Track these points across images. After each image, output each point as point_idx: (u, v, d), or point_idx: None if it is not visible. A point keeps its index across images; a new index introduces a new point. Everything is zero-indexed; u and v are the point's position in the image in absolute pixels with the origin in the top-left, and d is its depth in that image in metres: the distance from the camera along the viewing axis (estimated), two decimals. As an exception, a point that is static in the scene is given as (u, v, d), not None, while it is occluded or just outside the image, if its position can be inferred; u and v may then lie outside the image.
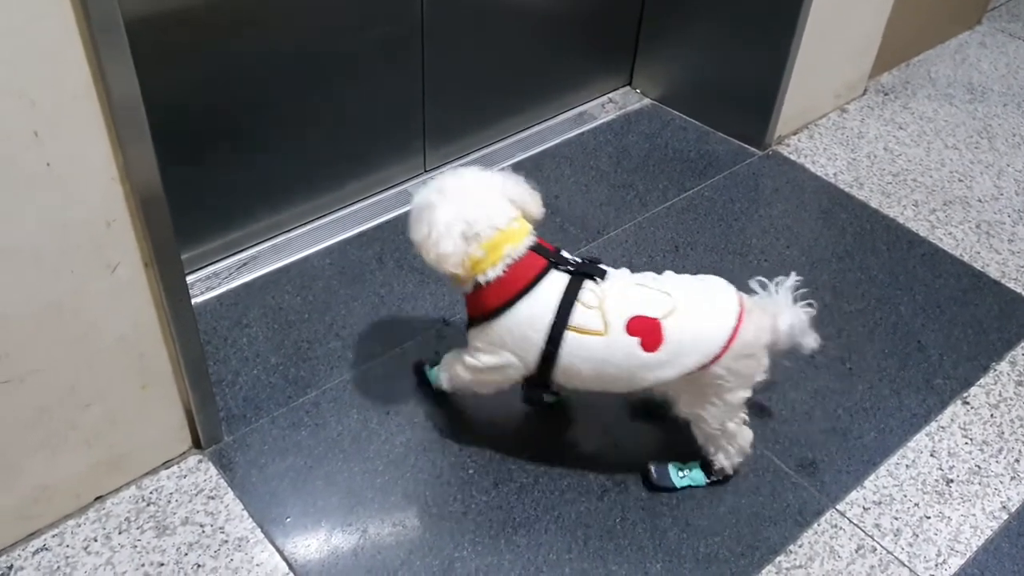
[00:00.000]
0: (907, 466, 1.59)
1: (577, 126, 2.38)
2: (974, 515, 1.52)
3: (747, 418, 1.48)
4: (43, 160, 1.11)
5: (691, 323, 1.34)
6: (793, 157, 2.32)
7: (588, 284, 1.36)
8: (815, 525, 1.49)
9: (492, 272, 1.35)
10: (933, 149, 2.39)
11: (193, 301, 1.78)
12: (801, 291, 1.45)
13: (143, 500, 1.45)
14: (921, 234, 2.11)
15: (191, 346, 1.42)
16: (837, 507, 1.52)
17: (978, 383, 1.75)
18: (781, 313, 1.41)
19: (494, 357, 1.39)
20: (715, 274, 1.38)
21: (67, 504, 1.41)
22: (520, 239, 1.37)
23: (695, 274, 1.44)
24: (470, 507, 1.48)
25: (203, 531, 1.42)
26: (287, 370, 1.69)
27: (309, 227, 2.00)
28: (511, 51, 2.20)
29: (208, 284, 1.85)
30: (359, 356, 1.72)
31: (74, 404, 1.33)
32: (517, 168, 2.18)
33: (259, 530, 1.43)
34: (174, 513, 1.44)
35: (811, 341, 1.45)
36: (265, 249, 1.94)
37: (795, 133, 2.40)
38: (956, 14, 2.87)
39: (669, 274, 1.44)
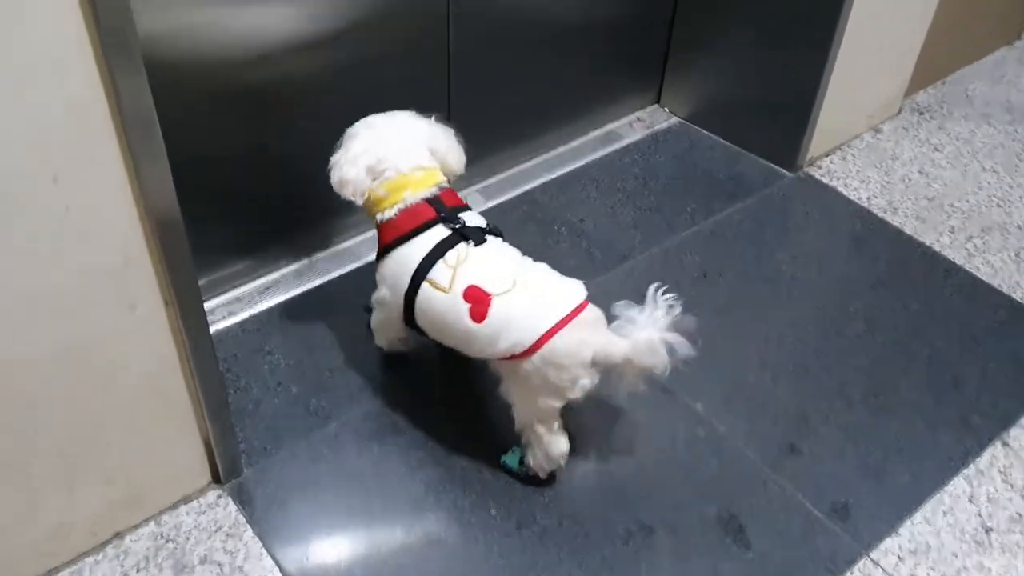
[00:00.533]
0: (944, 512, 1.54)
1: (604, 146, 2.34)
2: (1016, 567, 1.46)
3: (561, 428, 1.46)
4: (63, 204, 1.09)
5: (514, 311, 1.36)
6: (825, 180, 2.27)
7: (460, 245, 1.43)
8: (847, 574, 1.44)
9: (388, 213, 1.47)
10: (970, 172, 2.33)
11: (215, 327, 1.79)
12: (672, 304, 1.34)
13: (162, 537, 1.43)
14: (958, 262, 2.05)
15: (211, 381, 1.39)
16: (871, 555, 1.47)
17: (1018, 423, 1.70)
18: (637, 338, 1.33)
19: (379, 291, 1.54)
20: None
21: (85, 541, 1.40)
22: (420, 187, 1.48)
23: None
24: (492, 549, 1.45)
25: (221, 570, 1.40)
26: (308, 400, 1.66)
27: (333, 249, 1.98)
28: (537, 70, 2.16)
29: (230, 309, 1.83)
30: (380, 387, 1.69)
31: (93, 441, 1.31)
32: (544, 190, 2.19)
33: (278, 570, 1.40)
34: (192, 551, 1.42)
35: (659, 362, 1.33)
36: (288, 273, 1.92)
37: (827, 155, 2.34)
38: (995, 29, 2.80)
39: (543, 266, 1.45)
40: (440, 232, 1.44)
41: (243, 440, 1.57)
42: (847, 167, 2.32)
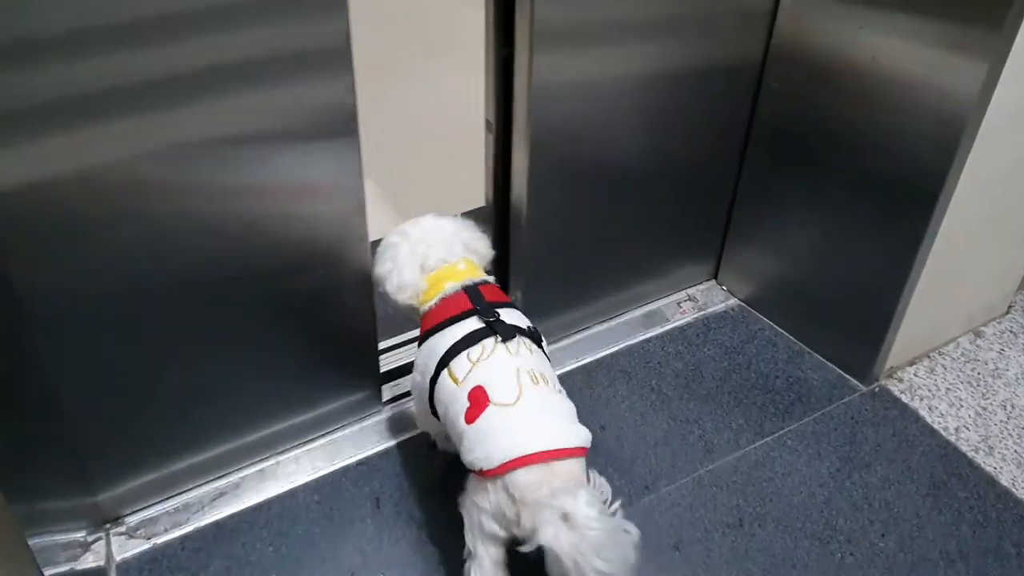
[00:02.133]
0: None
1: (645, 328, 2.03)
2: None
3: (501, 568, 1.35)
4: None
5: (500, 426, 1.30)
6: (905, 398, 1.89)
7: (487, 340, 1.40)
8: None
9: (430, 304, 1.51)
10: (1092, 403, 1.91)
11: (154, 542, 1.56)
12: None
13: None
14: (1066, 536, 1.64)
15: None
16: None
17: None
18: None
19: (414, 376, 1.54)
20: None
21: None
22: (461, 278, 1.51)
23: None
24: None
25: None
26: (233, 658, 1.40)
27: (306, 448, 1.73)
28: (575, 233, 1.89)
29: (175, 520, 1.59)
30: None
31: None
32: (566, 380, 1.86)
33: None
34: None
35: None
36: (251, 475, 1.68)
37: (911, 363, 1.97)
38: None
39: (560, 398, 1.37)
40: (472, 324, 1.44)
41: None
42: (935, 383, 1.93)
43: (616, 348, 1.98)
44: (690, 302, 2.10)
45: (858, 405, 1.88)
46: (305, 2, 1.28)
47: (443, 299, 1.49)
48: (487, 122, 1.74)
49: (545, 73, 1.61)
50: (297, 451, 1.72)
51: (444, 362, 1.42)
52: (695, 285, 2.14)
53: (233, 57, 1.27)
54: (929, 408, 1.87)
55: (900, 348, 1.91)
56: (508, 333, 1.41)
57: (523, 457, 1.25)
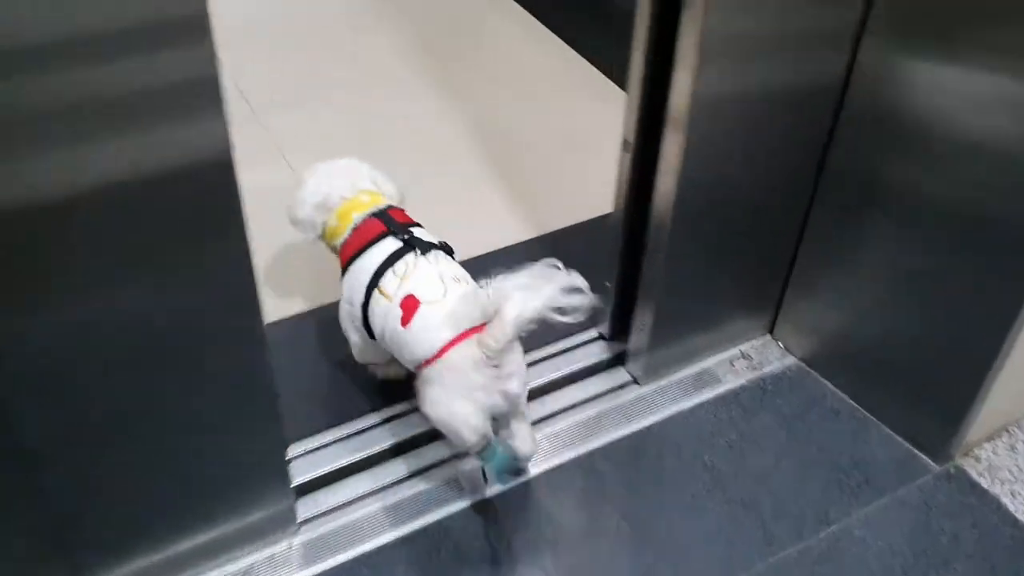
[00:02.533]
0: None
1: (695, 391, 1.85)
2: None
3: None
4: None
5: (431, 320, 1.43)
6: (983, 482, 1.71)
7: (408, 256, 1.52)
8: None
9: (343, 236, 1.62)
10: None
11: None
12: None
13: None
14: None
15: None
16: None
17: None
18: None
19: (343, 306, 1.63)
20: None
21: None
22: (365, 208, 1.62)
23: None
24: None
25: None
26: None
27: (332, 526, 1.56)
28: (690, 265, 1.74)
29: (177, 615, 1.44)
30: None
31: None
32: (608, 455, 1.72)
33: None
34: None
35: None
36: (261, 561, 1.51)
37: (989, 439, 1.78)
38: None
39: (479, 290, 1.45)
40: (391, 244, 1.55)
41: None
42: (1016, 463, 1.75)
43: (664, 415, 1.79)
44: (743, 360, 1.92)
45: (932, 488, 1.70)
46: (160, 33, 1.02)
47: (354, 229, 1.60)
48: (624, 141, 1.63)
49: (705, 90, 1.47)
50: (322, 529, 1.55)
51: (372, 284, 1.52)
52: (749, 340, 1.95)
53: (71, 95, 1.02)
54: (1011, 494, 1.69)
55: (979, 422, 1.72)
56: (425, 247, 1.53)
57: (458, 336, 1.39)
